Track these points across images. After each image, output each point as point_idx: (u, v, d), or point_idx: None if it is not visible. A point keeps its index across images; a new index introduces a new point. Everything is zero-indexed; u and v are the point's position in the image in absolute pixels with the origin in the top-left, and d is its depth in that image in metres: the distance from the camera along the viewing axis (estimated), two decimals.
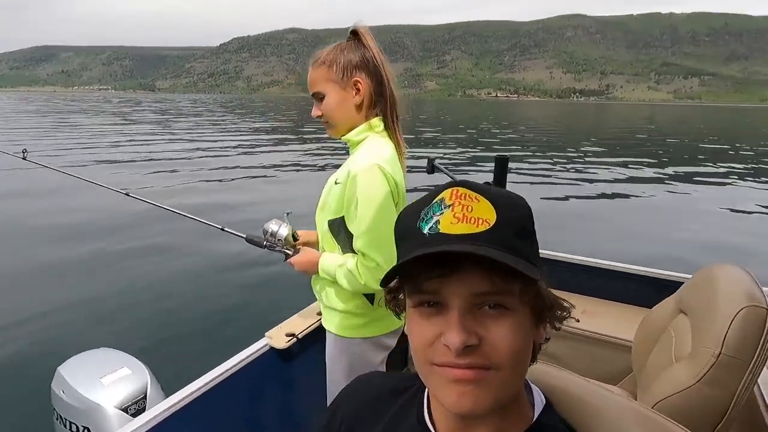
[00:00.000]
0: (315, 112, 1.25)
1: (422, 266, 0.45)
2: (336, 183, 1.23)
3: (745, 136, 26.76)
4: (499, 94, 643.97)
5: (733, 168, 12.43)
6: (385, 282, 0.51)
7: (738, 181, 10.64)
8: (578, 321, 1.80)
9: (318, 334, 1.55)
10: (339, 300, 1.27)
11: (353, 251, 1.20)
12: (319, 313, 1.49)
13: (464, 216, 0.46)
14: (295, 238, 1.39)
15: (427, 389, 0.57)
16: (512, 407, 0.50)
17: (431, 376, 0.47)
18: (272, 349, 1.52)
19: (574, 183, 9.88)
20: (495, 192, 0.49)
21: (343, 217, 1.21)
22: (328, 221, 1.25)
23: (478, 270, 0.44)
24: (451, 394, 0.45)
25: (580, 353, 1.78)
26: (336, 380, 1.31)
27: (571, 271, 2.07)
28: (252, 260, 4.33)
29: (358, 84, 1.20)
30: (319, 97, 1.22)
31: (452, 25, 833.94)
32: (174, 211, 1.74)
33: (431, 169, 2.01)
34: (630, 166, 12.34)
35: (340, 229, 1.24)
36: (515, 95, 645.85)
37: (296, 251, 1.36)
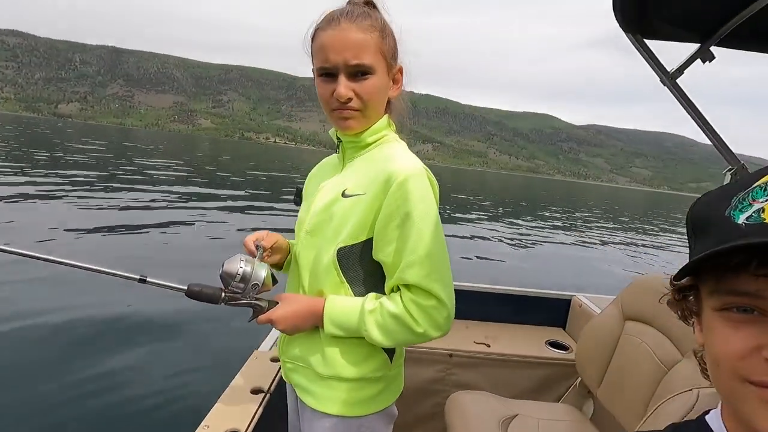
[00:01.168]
0: (345, 90, 0.86)
1: (738, 261, 0.36)
2: (348, 195, 0.91)
3: (464, 188, 37.68)
4: (278, 140, 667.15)
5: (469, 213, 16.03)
6: (681, 275, 0.41)
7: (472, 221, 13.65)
8: (489, 346, 1.97)
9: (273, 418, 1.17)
10: (349, 364, 0.92)
11: (367, 289, 0.93)
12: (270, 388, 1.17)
13: None
14: (274, 281, 0.97)
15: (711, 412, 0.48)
16: None
17: (743, 396, 0.39)
18: None
19: None
20: None
21: (367, 241, 0.89)
22: (339, 249, 0.91)
23: None
24: None
25: (498, 376, 1.85)
26: None
27: (478, 300, 2.13)
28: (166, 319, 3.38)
29: (400, 74, 0.96)
30: (360, 71, 0.87)
31: (228, 66, 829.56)
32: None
33: (299, 199, 1.79)
34: None
35: (356, 260, 0.91)
36: (293, 143, 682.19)
37: (271, 302, 0.95)
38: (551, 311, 2.16)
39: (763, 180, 0.39)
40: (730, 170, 1.49)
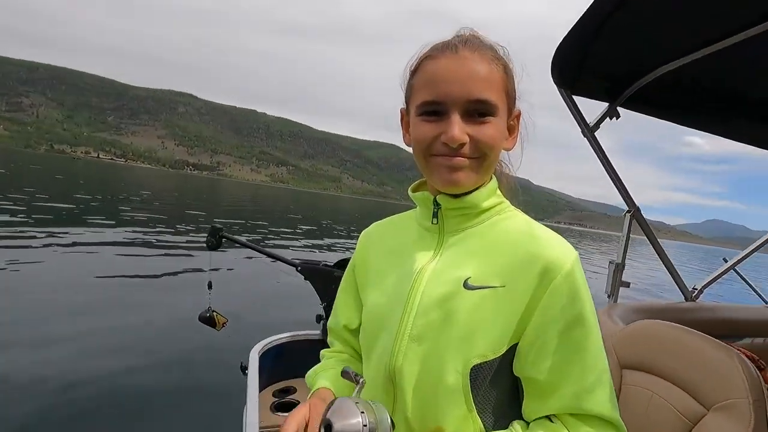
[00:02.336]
0: (459, 132, 0.62)
1: None
2: (475, 286, 0.64)
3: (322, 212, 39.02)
4: (102, 155, 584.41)
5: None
6: None
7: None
8: None
9: None
10: None
11: (496, 419, 0.65)
12: None
13: None
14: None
15: None
16: None
17: None
18: None
19: None
20: None
21: (507, 352, 0.63)
22: (474, 367, 0.62)
23: None
24: None
25: None
26: None
27: None
28: None
29: (517, 120, 0.71)
30: (480, 111, 0.63)
31: (34, 64, 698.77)
32: None
33: (218, 241, 1.68)
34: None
35: (490, 379, 0.64)
36: (122, 159, 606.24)
37: None
38: None
39: None
40: (628, 212, 1.96)
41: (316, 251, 12.20)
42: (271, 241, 12.78)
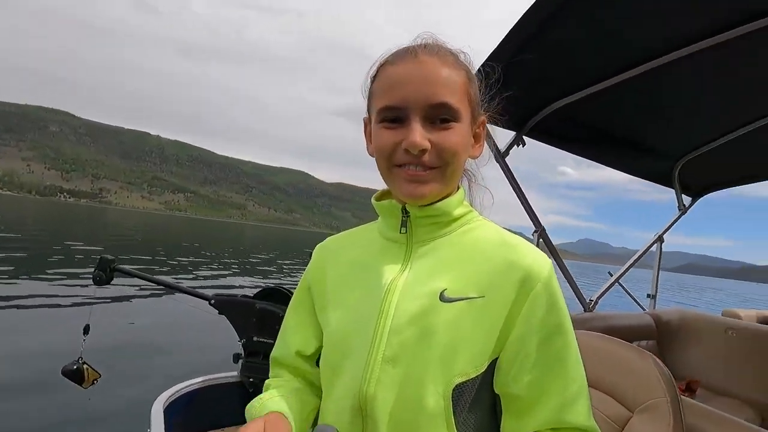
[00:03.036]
0: (420, 138, 0.60)
1: None
2: (452, 298, 0.61)
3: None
4: None
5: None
6: None
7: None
8: None
9: None
10: None
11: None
12: None
13: None
14: None
15: None
16: None
17: None
18: None
19: None
20: None
21: (489, 368, 0.61)
22: (457, 386, 0.59)
23: None
24: None
25: None
26: None
27: None
28: None
29: (482, 128, 0.71)
30: (441, 116, 0.62)
31: None
32: None
33: (108, 275, 1.49)
34: None
35: (471, 399, 0.61)
36: None
37: None
38: None
39: None
40: (535, 232, 2.10)
41: (219, 281, 11.53)
42: (170, 275, 11.68)
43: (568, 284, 2.36)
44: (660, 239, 2.91)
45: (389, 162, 0.63)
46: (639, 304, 2.99)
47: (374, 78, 0.66)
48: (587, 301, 2.47)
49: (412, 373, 0.58)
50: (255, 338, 1.70)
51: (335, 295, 0.70)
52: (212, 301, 1.83)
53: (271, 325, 1.69)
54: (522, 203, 2.14)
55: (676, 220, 2.94)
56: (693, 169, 2.68)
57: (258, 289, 1.89)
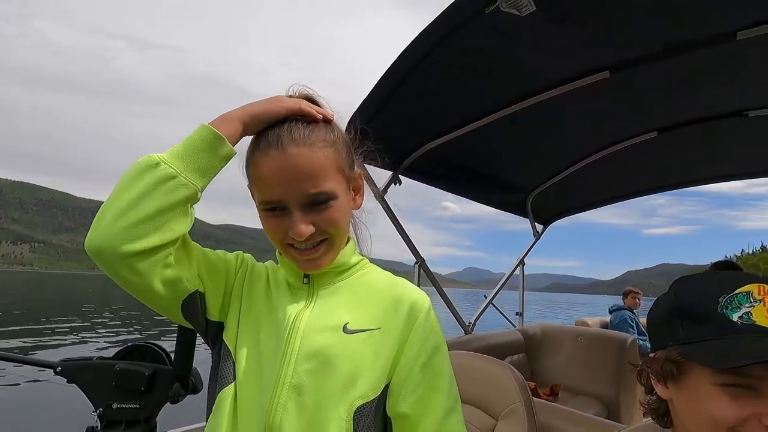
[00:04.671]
0: (303, 228, 0.63)
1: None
2: (353, 330, 0.66)
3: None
4: None
5: None
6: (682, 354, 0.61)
7: None
8: None
9: None
10: None
11: None
12: None
13: None
14: None
15: None
16: None
17: None
18: None
19: None
20: None
21: (384, 391, 0.66)
22: (358, 408, 0.63)
23: None
24: None
25: None
26: None
27: None
28: None
29: (360, 179, 0.75)
30: (324, 199, 0.65)
31: None
32: None
33: None
34: None
35: (371, 421, 0.65)
36: None
37: None
38: None
39: (744, 289, 0.60)
40: (416, 263, 2.35)
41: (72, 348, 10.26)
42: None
43: (449, 311, 2.53)
44: (521, 263, 3.33)
45: (281, 243, 0.68)
46: (510, 322, 3.34)
47: (248, 161, 0.68)
48: (467, 324, 2.68)
49: (316, 400, 0.62)
50: (115, 405, 1.46)
51: (251, 316, 0.72)
52: (59, 369, 1.53)
53: (134, 387, 1.47)
54: (402, 237, 2.29)
55: (532, 246, 3.41)
56: (542, 201, 3.17)
57: (122, 347, 1.64)
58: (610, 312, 4.36)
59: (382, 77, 1.56)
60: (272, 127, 0.65)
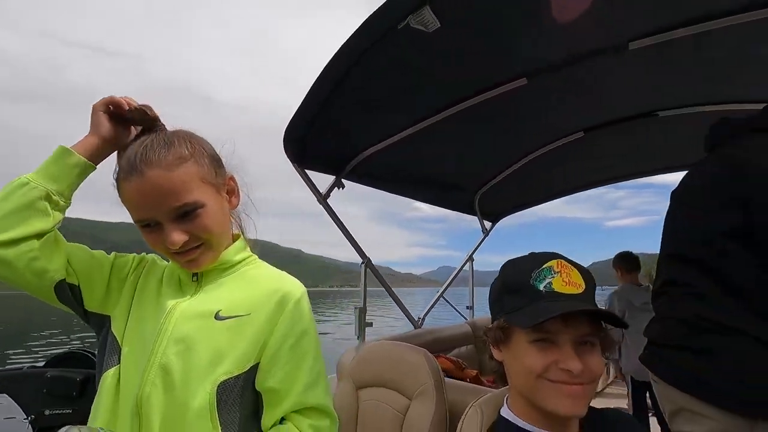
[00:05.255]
0: (178, 237, 0.73)
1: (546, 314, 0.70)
2: (225, 317, 0.75)
3: None
4: None
5: None
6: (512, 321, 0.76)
7: None
8: None
9: None
10: None
11: (248, 428, 0.76)
12: None
13: (569, 281, 0.74)
14: None
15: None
16: None
17: (543, 389, 0.72)
18: None
19: None
20: (578, 265, 0.77)
21: (251, 369, 0.75)
22: (220, 384, 0.72)
23: (585, 318, 0.71)
24: (565, 402, 0.70)
25: None
26: None
27: None
28: None
29: (233, 182, 0.85)
30: (191, 210, 0.74)
31: None
32: None
33: None
34: None
35: (236, 396, 0.74)
36: None
37: None
38: None
39: (547, 265, 0.76)
40: (362, 263, 2.43)
41: None
42: None
43: (398, 307, 2.63)
44: (471, 259, 3.48)
45: (164, 252, 0.77)
46: (463, 316, 3.48)
47: (116, 183, 0.77)
48: (416, 319, 2.79)
49: (182, 377, 0.70)
50: (47, 412, 1.48)
51: (137, 307, 0.81)
52: None
53: (66, 392, 1.50)
54: (347, 239, 2.35)
55: (481, 242, 3.57)
56: (488, 199, 3.32)
57: (54, 356, 1.65)
58: None
59: (310, 90, 1.62)
60: (129, 152, 0.75)
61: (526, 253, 0.82)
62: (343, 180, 2.28)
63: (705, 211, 1.12)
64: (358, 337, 2.30)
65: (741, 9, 1.43)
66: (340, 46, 1.47)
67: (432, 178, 2.78)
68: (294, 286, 0.82)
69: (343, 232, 2.32)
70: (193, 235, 0.74)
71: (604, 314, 0.73)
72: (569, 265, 0.77)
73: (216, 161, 0.81)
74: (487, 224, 3.61)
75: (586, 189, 3.34)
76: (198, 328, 0.74)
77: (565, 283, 0.74)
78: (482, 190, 3.18)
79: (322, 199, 2.23)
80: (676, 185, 1.32)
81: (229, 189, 0.84)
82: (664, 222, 1.32)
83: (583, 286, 0.75)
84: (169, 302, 0.77)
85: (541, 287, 0.74)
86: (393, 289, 2.76)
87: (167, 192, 0.71)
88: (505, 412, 0.82)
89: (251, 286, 0.81)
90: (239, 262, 0.84)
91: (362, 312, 2.32)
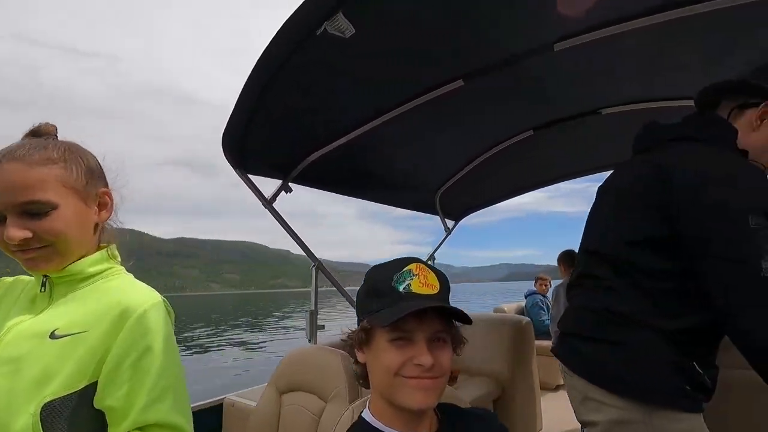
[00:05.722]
0: (16, 232, 0.72)
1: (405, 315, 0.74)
2: (60, 335, 0.74)
3: None
4: None
5: None
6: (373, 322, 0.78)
7: None
8: None
9: None
10: None
11: None
12: None
13: (426, 282, 0.79)
14: None
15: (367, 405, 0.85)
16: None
17: (400, 385, 0.75)
18: None
19: None
20: (434, 268, 0.83)
21: (86, 389, 0.72)
22: (45, 405, 0.69)
23: (437, 316, 0.77)
24: (416, 396, 0.74)
25: None
26: None
27: None
28: None
29: (107, 197, 0.86)
30: (34, 210, 0.74)
31: None
32: None
33: None
34: None
35: (65, 417, 0.70)
36: None
37: None
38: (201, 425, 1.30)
39: (407, 268, 0.80)
40: (313, 266, 2.48)
41: None
42: None
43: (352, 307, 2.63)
44: (432, 258, 3.50)
45: (7, 250, 0.76)
46: None
47: None
48: None
49: (6, 400, 0.69)
50: None
51: None
52: None
53: None
54: (296, 241, 2.34)
55: (443, 241, 3.59)
56: (449, 198, 3.33)
57: None
58: (525, 297, 4.66)
59: (239, 96, 1.59)
60: (3, 149, 0.75)
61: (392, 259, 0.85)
62: (290, 184, 2.26)
63: (628, 212, 1.13)
64: (309, 341, 2.29)
65: (657, 10, 1.47)
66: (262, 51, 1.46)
67: (386, 179, 2.78)
68: (142, 299, 0.78)
69: (290, 235, 2.31)
70: (37, 235, 0.74)
71: (455, 312, 0.77)
72: (426, 268, 0.82)
73: (92, 173, 0.82)
74: (450, 223, 3.63)
75: (541, 187, 3.38)
76: (30, 349, 0.72)
77: (422, 284, 0.78)
78: (442, 189, 3.19)
79: (268, 203, 2.20)
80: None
81: (101, 202, 0.84)
82: (588, 216, 1.34)
83: (438, 287, 0.80)
84: (9, 323, 0.77)
85: (401, 288, 0.77)
86: None
87: (19, 186, 0.72)
88: (365, 413, 0.84)
89: (95, 301, 0.78)
90: (95, 274, 0.82)
91: (313, 315, 2.32)
